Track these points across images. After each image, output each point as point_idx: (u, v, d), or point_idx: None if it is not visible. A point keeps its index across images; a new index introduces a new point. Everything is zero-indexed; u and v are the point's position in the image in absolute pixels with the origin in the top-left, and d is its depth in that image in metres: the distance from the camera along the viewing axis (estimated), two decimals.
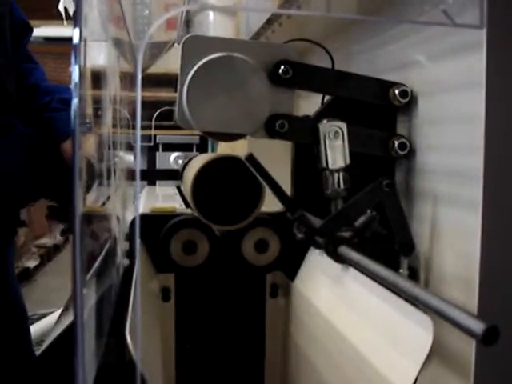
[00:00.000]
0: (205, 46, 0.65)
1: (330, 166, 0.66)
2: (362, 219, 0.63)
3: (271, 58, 0.66)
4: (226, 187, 0.74)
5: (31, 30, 1.15)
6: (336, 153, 0.66)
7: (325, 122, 0.66)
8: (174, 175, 1.48)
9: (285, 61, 0.66)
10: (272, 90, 0.66)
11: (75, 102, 0.34)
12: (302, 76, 0.67)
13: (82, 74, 0.36)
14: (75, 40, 0.34)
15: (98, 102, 0.66)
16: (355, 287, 0.63)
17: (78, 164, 0.34)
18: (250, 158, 0.63)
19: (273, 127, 0.67)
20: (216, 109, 0.65)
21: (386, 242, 0.63)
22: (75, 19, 0.35)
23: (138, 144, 0.39)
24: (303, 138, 0.68)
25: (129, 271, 0.70)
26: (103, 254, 0.58)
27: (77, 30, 0.34)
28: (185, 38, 0.66)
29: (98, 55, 0.69)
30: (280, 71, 0.66)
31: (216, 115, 0.65)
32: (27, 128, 1.01)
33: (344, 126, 0.66)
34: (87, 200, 0.53)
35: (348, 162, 0.66)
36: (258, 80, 0.65)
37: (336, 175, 0.66)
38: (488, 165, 0.47)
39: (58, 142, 1.02)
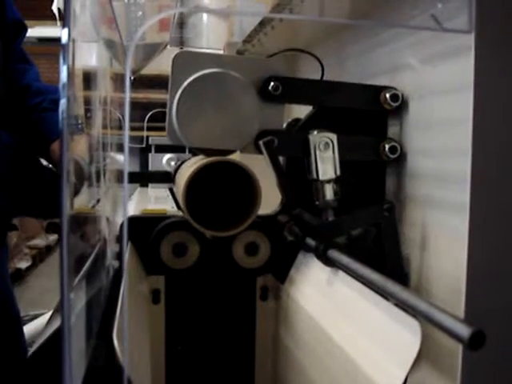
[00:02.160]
0: (195, 61, 0.65)
1: (321, 177, 0.66)
2: (358, 230, 0.64)
3: (261, 74, 0.67)
4: (220, 193, 0.74)
5: (25, 30, 1.13)
6: (326, 164, 0.66)
7: (315, 133, 0.66)
8: (167, 177, 1.47)
9: (274, 77, 0.66)
10: (262, 106, 0.67)
11: (63, 102, 0.34)
12: (291, 91, 0.68)
13: (70, 75, 0.36)
14: (64, 40, 0.34)
15: (89, 103, 0.66)
16: (344, 290, 0.63)
17: (65, 165, 0.34)
18: (270, 143, 0.64)
19: None
20: (205, 125, 0.65)
21: (377, 260, 0.64)
22: (64, 19, 0.35)
23: (126, 145, 0.39)
24: (293, 151, 0.68)
25: (119, 273, 0.70)
26: (93, 256, 0.57)
27: (65, 30, 0.34)
28: (175, 53, 0.66)
29: (90, 56, 0.69)
30: (270, 88, 0.66)
31: (205, 131, 0.65)
32: (10, 137, 0.99)
33: (334, 137, 0.66)
34: (77, 202, 0.52)
35: (338, 172, 0.66)
36: (247, 96, 0.66)
37: (326, 186, 0.66)
38: (475, 168, 0.47)
39: (48, 143, 1.01)
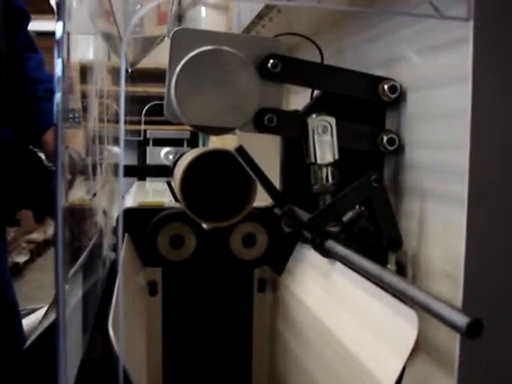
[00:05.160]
0: (194, 39, 0.64)
1: (319, 161, 0.66)
2: (350, 214, 0.63)
3: (260, 51, 0.66)
4: (216, 183, 0.74)
5: (29, 18, 1.14)
6: (324, 148, 0.66)
7: (314, 116, 0.66)
8: (165, 171, 1.47)
9: (274, 55, 0.66)
10: (261, 83, 0.66)
11: (58, 96, 0.33)
12: (291, 70, 0.67)
13: (65, 68, 0.35)
14: (58, 34, 0.34)
15: (86, 96, 0.66)
16: (342, 282, 0.63)
17: (60, 158, 0.34)
18: (240, 150, 0.63)
19: (261, 121, 0.66)
20: (204, 102, 0.64)
21: (373, 237, 0.63)
22: (58, 13, 0.34)
23: (122, 137, 0.39)
24: (292, 132, 0.68)
25: (115, 265, 0.70)
26: (89, 247, 0.57)
27: (60, 24, 0.34)
28: (173, 30, 0.65)
29: (87, 49, 0.69)
30: (269, 65, 0.66)
31: (204, 109, 0.64)
32: (6, 129, 0.99)
33: (333, 120, 0.66)
34: (73, 194, 0.52)
35: (336, 156, 0.66)
36: (246, 74, 0.65)
37: (324, 170, 0.66)
38: (473, 160, 0.47)
39: (41, 133, 1.01)
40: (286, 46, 0.67)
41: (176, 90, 0.64)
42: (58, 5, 0.35)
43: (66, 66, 0.36)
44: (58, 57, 0.34)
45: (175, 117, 0.65)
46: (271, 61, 0.66)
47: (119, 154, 0.90)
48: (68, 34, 0.40)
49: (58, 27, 0.34)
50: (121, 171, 0.37)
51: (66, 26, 0.34)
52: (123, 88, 0.36)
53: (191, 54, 0.64)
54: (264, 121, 0.66)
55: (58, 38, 0.34)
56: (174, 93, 0.64)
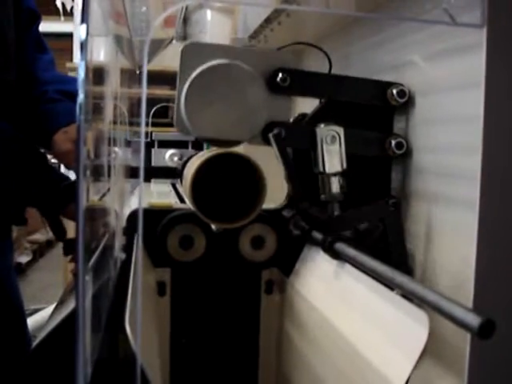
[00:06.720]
0: (203, 53, 0.65)
1: (327, 170, 0.66)
2: (366, 224, 0.64)
3: (269, 65, 0.67)
4: (226, 184, 0.75)
5: (39, 18, 1.14)
6: (333, 157, 0.66)
7: (322, 126, 0.67)
8: (171, 173, 1.48)
9: (283, 69, 0.67)
10: (270, 97, 0.67)
11: (81, 98, 0.34)
12: (300, 83, 0.68)
13: (88, 70, 0.36)
14: (82, 36, 0.34)
15: (96, 98, 0.66)
16: (351, 283, 0.64)
17: (82, 160, 0.34)
18: (279, 135, 0.64)
19: None
20: (214, 116, 0.65)
21: (382, 255, 0.64)
22: (82, 14, 0.35)
23: (143, 139, 0.40)
24: (300, 144, 0.69)
25: (126, 265, 0.70)
26: (100, 247, 0.58)
27: (84, 26, 0.34)
28: (184, 44, 0.66)
29: (99, 50, 0.69)
30: (278, 79, 0.67)
31: (213, 122, 0.66)
32: (14, 131, 0.99)
33: (341, 130, 0.66)
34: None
35: (345, 166, 0.66)
36: (255, 87, 0.66)
37: (332, 179, 0.67)
38: (486, 165, 0.48)
39: (50, 134, 1.02)
40: (294, 52, 0.68)
41: (186, 103, 0.65)
42: (82, 7, 0.36)
43: (88, 69, 0.36)
44: (82, 59, 0.34)
45: (185, 129, 0.66)
46: (280, 75, 0.67)
47: (129, 155, 0.91)
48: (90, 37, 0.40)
49: (82, 29, 0.34)
50: (141, 173, 0.37)
51: (89, 28, 0.35)
52: (145, 90, 0.37)
53: (201, 68, 0.65)
54: None
55: (82, 41, 0.34)
56: (184, 106, 0.65)
